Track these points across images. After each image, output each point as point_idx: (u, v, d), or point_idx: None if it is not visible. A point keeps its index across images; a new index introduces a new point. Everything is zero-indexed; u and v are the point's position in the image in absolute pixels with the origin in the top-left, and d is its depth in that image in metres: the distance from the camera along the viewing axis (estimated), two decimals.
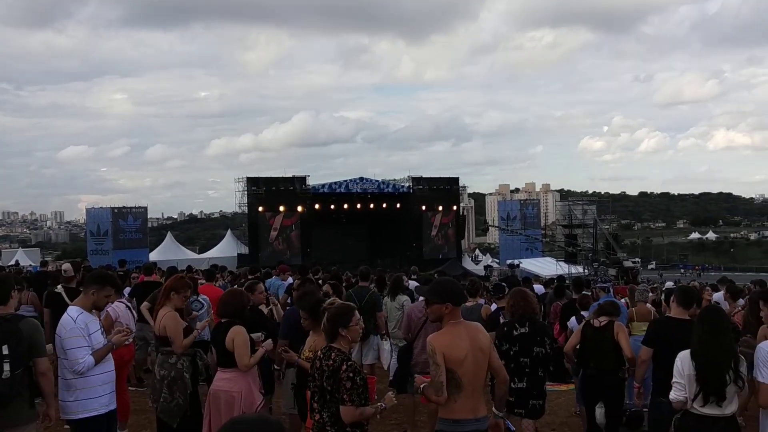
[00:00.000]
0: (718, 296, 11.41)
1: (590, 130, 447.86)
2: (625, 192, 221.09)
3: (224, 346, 5.35)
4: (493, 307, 9.58)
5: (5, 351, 4.47)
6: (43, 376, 4.79)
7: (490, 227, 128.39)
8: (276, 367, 7.72)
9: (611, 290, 9.26)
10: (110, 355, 5.13)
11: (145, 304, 8.29)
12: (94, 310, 5.20)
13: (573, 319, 8.54)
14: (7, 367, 4.45)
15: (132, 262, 25.81)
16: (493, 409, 4.44)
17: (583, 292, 9.52)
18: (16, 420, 4.63)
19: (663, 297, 12.03)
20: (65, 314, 5.01)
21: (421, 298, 8.83)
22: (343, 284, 9.94)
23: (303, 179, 47.09)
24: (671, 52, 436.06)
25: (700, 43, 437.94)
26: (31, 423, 4.80)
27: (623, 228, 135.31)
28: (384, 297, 9.28)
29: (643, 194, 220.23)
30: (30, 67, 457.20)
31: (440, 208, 50.36)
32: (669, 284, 13.88)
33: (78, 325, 4.89)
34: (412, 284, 12.26)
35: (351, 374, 3.96)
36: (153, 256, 41.92)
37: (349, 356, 4.13)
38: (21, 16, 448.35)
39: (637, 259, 55.60)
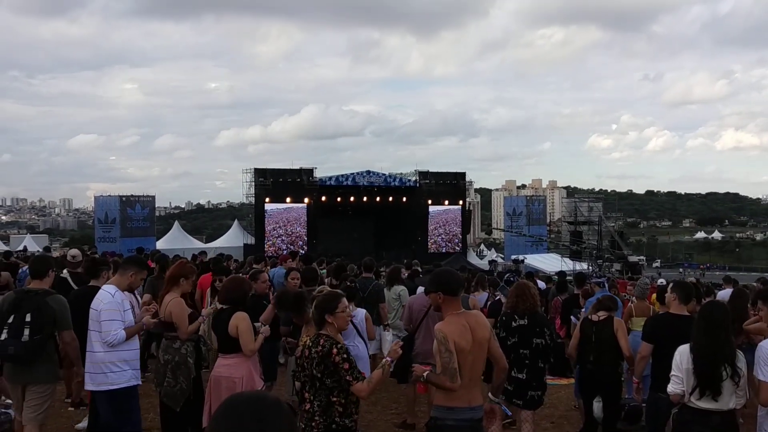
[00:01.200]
0: (723, 294, 11.40)
1: (598, 128, 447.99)
2: (631, 190, 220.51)
3: (227, 332, 5.39)
4: (483, 297, 9.66)
5: (27, 318, 5.20)
6: (68, 345, 5.43)
7: (493, 229, 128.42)
8: (281, 361, 7.84)
9: (606, 285, 9.23)
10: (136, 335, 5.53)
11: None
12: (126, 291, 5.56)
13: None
14: (26, 332, 5.18)
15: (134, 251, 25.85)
16: (489, 394, 4.47)
17: (585, 287, 9.55)
18: (39, 378, 5.33)
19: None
20: (102, 290, 5.43)
21: (421, 289, 8.89)
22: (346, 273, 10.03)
23: (310, 171, 46.95)
24: (681, 51, 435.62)
25: (711, 43, 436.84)
26: (52, 383, 5.48)
27: (629, 226, 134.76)
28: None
29: (649, 193, 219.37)
30: (41, 56, 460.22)
31: (446, 202, 50.33)
32: (661, 281, 13.79)
33: (116, 300, 5.29)
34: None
35: (345, 355, 3.99)
36: (160, 244, 41.94)
37: (337, 340, 4.13)
38: (34, 5, 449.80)
39: (642, 257, 55.38)
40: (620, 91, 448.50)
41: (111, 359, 5.22)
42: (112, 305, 5.25)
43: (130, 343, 5.34)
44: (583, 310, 8.71)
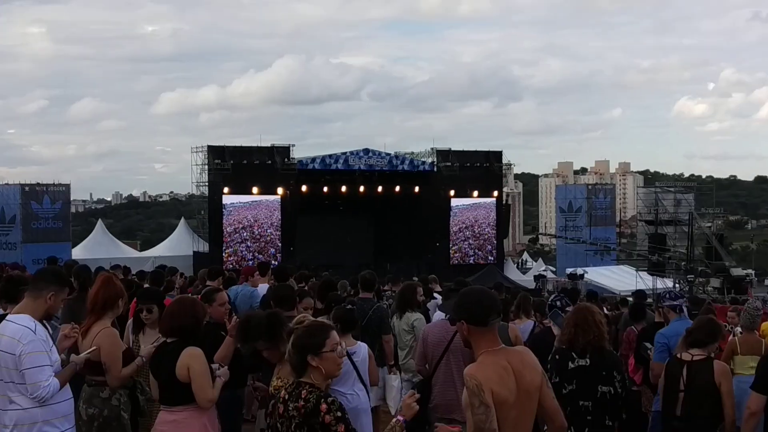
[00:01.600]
0: None
1: (689, 88, 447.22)
2: (736, 176, 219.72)
3: (174, 376, 5.34)
4: (527, 326, 9.55)
5: None
6: None
7: (539, 235, 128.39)
8: (250, 416, 7.90)
9: (685, 310, 8.93)
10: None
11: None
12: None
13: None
14: None
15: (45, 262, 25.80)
16: None
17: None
18: None
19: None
20: (15, 324, 5.13)
21: (438, 315, 8.86)
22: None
23: (286, 150, 46.94)
24: None
25: None
26: None
27: (732, 227, 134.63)
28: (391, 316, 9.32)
29: (761, 180, 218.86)
30: None
31: (476, 194, 50.32)
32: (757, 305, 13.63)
33: (39, 337, 5.10)
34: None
35: (339, 414, 3.94)
36: (77, 252, 41.93)
37: (326, 392, 4.09)
38: None
39: (750, 270, 55.37)
40: (721, 35, 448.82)
41: (46, 417, 5.11)
42: (35, 346, 5.05)
43: (63, 392, 5.24)
44: (647, 344, 8.64)
